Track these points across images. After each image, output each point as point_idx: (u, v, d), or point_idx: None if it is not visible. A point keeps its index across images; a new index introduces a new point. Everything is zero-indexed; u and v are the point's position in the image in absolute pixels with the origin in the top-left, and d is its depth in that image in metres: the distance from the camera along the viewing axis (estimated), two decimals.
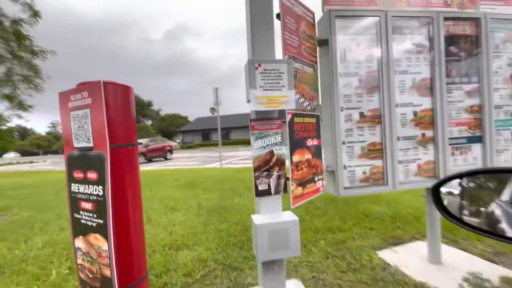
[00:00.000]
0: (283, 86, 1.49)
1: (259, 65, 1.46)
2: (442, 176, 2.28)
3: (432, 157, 2.30)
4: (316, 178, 2.03)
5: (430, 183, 2.28)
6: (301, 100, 1.87)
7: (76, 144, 1.06)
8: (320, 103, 2.23)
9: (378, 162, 2.21)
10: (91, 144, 0.99)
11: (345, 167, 2.18)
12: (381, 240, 2.94)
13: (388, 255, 2.59)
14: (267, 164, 1.62)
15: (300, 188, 1.83)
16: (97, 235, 1.01)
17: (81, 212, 1.06)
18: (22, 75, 4.30)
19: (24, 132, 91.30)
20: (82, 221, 1.06)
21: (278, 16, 1.69)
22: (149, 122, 51.85)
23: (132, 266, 1.09)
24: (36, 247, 3.01)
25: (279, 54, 1.67)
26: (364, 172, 2.20)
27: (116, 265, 0.98)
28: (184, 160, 17.00)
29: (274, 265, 1.60)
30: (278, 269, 1.61)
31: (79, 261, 1.12)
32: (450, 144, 2.32)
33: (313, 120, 2.02)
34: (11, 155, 49.98)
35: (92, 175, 1.01)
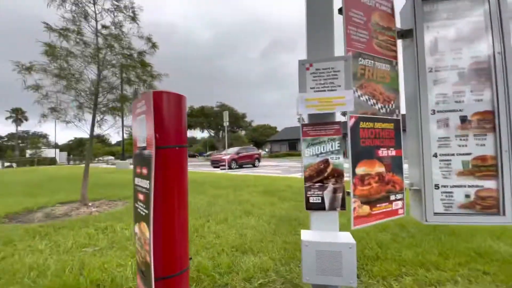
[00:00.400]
0: (339, 86, 1.31)
1: (311, 65, 1.34)
2: None
3: None
4: (392, 197, 1.67)
5: None
6: (371, 101, 1.60)
7: (138, 144, 1.24)
8: (404, 106, 1.85)
9: (491, 184, 1.62)
10: (145, 144, 1.14)
11: (437, 186, 1.70)
12: None
13: None
14: (320, 175, 1.45)
15: (366, 207, 1.54)
16: (144, 224, 1.13)
17: (138, 202, 1.22)
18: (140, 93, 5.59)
19: None
20: (138, 210, 1.22)
21: (340, 10, 1.52)
22: (243, 132, 56.81)
23: (173, 257, 1.17)
24: None
25: (341, 51, 1.49)
26: (467, 196, 1.65)
27: (154, 253, 1.07)
28: (270, 168, 17.61)
29: None
30: None
31: (136, 244, 1.28)
32: None
33: (390, 125, 1.68)
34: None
35: (144, 171, 1.15)
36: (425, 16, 1.75)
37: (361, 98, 1.57)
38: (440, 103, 1.71)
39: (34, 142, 51.76)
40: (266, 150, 45.18)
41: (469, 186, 1.66)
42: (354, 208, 1.50)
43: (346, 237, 1.33)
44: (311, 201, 1.46)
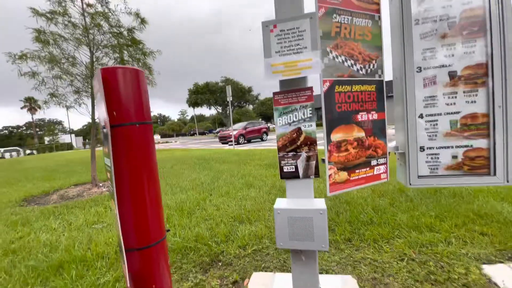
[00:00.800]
0: (305, 47, 1.21)
1: (275, 26, 1.24)
2: None
3: None
4: (374, 163, 1.62)
5: None
6: (349, 62, 1.50)
7: (101, 123, 1.24)
8: (391, 64, 1.72)
9: (480, 143, 1.54)
10: (103, 123, 1.14)
11: (422, 149, 1.63)
12: (494, 250, 2.11)
13: (499, 271, 1.83)
14: (293, 144, 1.41)
15: (344, 173, 1.52)
16: (112, 201, 1.17)
17: (108, 181, 1.25)
18: None
19: (163, 119, 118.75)
20: (110, 188, 1.25)
21: None
22: (250, 107, 56.07)
23: (146, 230, 1.22)
24: None
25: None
26: (454, 156, 1.59)
27: (125, 227, 1.12)
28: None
29: (302, 256, 1.42)
30: (307, 261, 1.42)
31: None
32: None
33: (371, 87, 1.59)
34: (156, 137, 66.66)
35: (106, 150, 1.16)
36: None
37: (336, 60, 1.46)
38: (427, 58, 1.57)
39: (50, 129, 53.75)
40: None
41: (457, 147, 1.58)
42: (330, 175, 1.48)
43: (318, 204, 1.32)
44: (285, 170, 1.44)
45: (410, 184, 1.66)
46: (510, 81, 1.44)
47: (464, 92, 1.53)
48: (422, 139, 1.62)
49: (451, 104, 1.56)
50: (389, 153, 1.73)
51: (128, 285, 1.16)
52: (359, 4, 1.52)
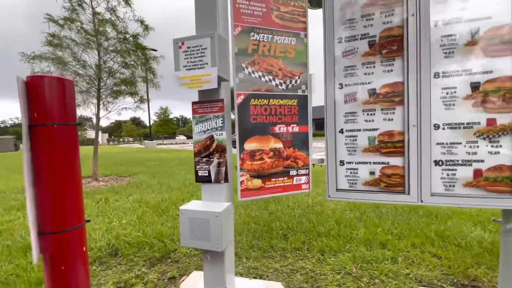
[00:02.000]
0: (206, 63, 1.35)
1: (183, 43, 1.39)
2: None
3: (508, 160, 1.38)
4: (293, 173, 1.70)
5: (502, 201, 1.40)
6: (267, 78, 1.61)
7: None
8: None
9: (397, 161, 1.57)
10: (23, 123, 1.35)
11: (342, 163, 1.68)
12: (440, 274, 2.06)
13: None
14: (206, 150, 1.54)
15: (258, 181, 1.61)
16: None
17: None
18: (142, 76, 5.92)
19: (184, 121, 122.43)
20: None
21: None
22: None
23: (62, 217, 1.40)
24: (128, 201, 4.19)
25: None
26: (372, 172, 1.62)
27: (39, 213, 1.32)
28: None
29: (207, 255, 1.53)
30: (213, 260, 1.53)
31: None
32: None
33: (292, 102, 1.68)
34: (182, 137, 68.89)
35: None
36: None
37: (252, 75, 1.57)
38: (348, 76, 1.64)
39: (80, 125, 57.43)
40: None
41: (374, 163, 1.61)
42: (242, 181, 1.58)
43: (217, 207, 1.43)
44: (199, 174, 1.57)
45: (329, 197, 1.71)
46: (424, 100, 1.47)
47: (382, 109, 1.58)
48: (342, 153, 1.68)
49: (370, 120, 1.61)
50: (313, 165, 1.80)
51: (35, 261, 1.35)
52: (282, 23, 1.63)
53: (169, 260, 2.40)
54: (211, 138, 1.53)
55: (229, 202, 1.54)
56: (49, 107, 1.36)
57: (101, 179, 6.09)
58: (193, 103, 1.57)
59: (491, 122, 1.40)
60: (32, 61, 4.95)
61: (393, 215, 3.28)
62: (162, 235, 2.80)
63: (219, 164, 1.53)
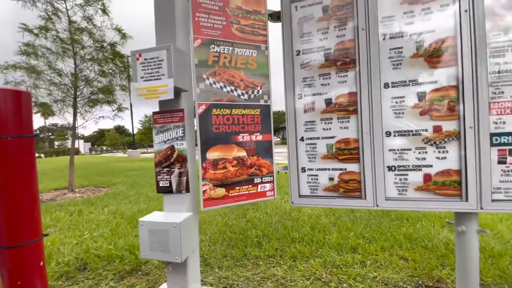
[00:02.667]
0: (163, 74, 1.38)
1: (140, 55, 1.42)
2: (473, 197, 1.43)
3: (455, 164, 1.48)
4: (257, 180, 1.74)
5: (452, 204, 1.48)
6: (228, 88, 1.65)
7: None
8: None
9: (353, 167, 1.63)
10: None
11: (304, 169, 1.74)
12: (406, 276, 2.13)
13: None
14: (167, 160, 1.55)
15: (221, 190, 1.63)
16: None
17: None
18: (120, 84, 5.86)
19: None
20: None
21: None
22: None
23: (17, 231, 1.36)
24: (103, 213, 4.09)
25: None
26: (331, 178, 1.68)
27: None
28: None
29: (169, 266, 1.53)
30: (174, 271, 1.53)
31: None
32: (496, 145, 1.41)
33: (255, 111, 1.73)
34: None
35: None
36: None
37: (214, 86, 1.62)
38: (306, 86, 1.71)
39: (60, 134, 55.61)
40: (279, 137, 44.96)
41: (333, 169, 1.68)
42: (205, 191, 1.59)
43: (176, 218, 1.44)
44: (161, 184, 1.58)
45: (293, 203, 1.76)
46: (376, 109, 1.56)
47: (338, 118, 1.65)
48: (303, 160, 1.73)
49: (328, 129, 1.68)
50: (278, 172, 1.84)
51: None
52: (243, 36, 1.69)
53: (140, 273, 2.35)
54: (172, 148, 1.55)
55: (191, 212, 1.55)
56: (3, 119, 1.34)
57: (77, 190, 5.90)
58: (154, 113, 1.58)
59: (437, 129, 1.50)
60: (5, 71, 4.80)
61: (366, 219, 3.37)
62: (134, 247, 2.75)
63: (180, 174, 1.55)
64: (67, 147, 45.27)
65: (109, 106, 5.77)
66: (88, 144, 60.23)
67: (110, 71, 5.62)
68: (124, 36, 5.57)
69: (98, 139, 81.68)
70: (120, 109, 5.95)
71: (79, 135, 64.15)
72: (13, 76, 4.87)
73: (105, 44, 5.45)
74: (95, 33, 5.42)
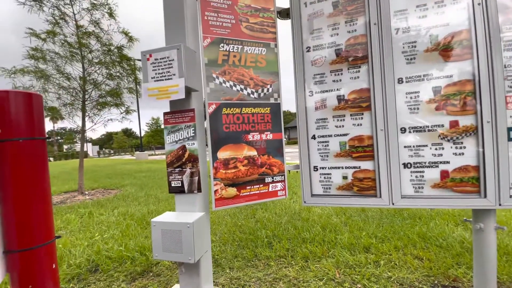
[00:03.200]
0: (174, 74, 1.37)
1: (150, 55, 1.41)
2: (492, 193, 1.39)
3: (473, 160, 1.43)
4: (269, 180, 1.72)
5: (470, 201, 1.44)
6: (238, 87, 1.64)
7: None
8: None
9: (368, 165, 1.60)
10: None
11: (316, 168, 1.71)
12: (421, 276, 2.08)
13: None
14: (179, 160, 1.55)
15: (233, 189, 1.62)
16: None
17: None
18: (128, 87, 5.92)
19: None
20: None
21: None
22: None
23: (29, 234, 1.37)
24: (113, 215, 4.12)
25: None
26: (344, 177, 1.65)
27: (4, 230, 1.29)
28: None
29: (182, 267, 1.52)
30: (188, 273, 1.52)
31: None
32: None
33: (265, 110, 1.71)
34: None
35: None
36: None
37: (223, 85, 1.61)
38: (318, 83, 1.68)
39: (69, 137, 56.60)
40: (286, 137, 44.86)
41: (347, 168, 1.65)
42: (216, 191, 1.58)
43: (188, 217, 1.43)
44: (172, 185, 1.57)
45: (305, 202, 1.73)
46: (390, 105, 1.52)
47: (351, 115, 1.62)
48: (315, 159, 1.71)
49: (340, 126, 1.65)
50: (289, 171, 1.82)
51: None
52: (252, 34, 1.68)
53: (151, 274, 2.35)
54: (183, 148, 1.54)
55: (203, 212, 1.54)
56: (14, 121, 1.35)
57: (87, 192, 5.97)
58: (165, 113, 1.58)
59: (454, 124, 1.46)
60: (13, 76, 4.90)
61: (378, 218, 3.31)
62: (145, 248, 2.76)
63: (192, 174, 1.54)
64: (75, 151, 46.05)
65: (117, 109, 5.85)
66: (96, 147, 61.12)
67: (118, 74, 5.68)
68: (131, 39, 5.63)
69: (106, 142, 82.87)
70: (128, 111, 6.02)
71: (88, 138, 65.21)
72: (21, 81, 4.98)
73: (112, 48, 5.52)
74: (102, 37, 5.49)
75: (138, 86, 6.19)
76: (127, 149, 52.34)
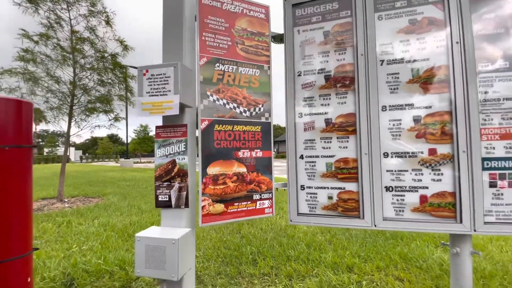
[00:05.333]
0: (169, 91, 1.41)
1: (147, 71, 1.45)
2: (467, 219, 1.47)
3: (450, 187, 1.52)
4: (257, 197, 1.74)
5: (447, 226, 1.51)
6: (231, 105, 1.69)
7: None
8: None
9: (352, 186, 1.66)
10: None
11: (303, 187, 1.76)
12: None
13: None
14: (168, 174, 1.56)
15: (220, 205, 1.63)
16: None
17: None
18: (119, 94, 5.88)
19: None
20: None
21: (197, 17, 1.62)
22: None
23: (7, 244, 1.32)
24: (93, 225, 3.98)
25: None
26: (330, 197, 1.70)
27: None
28: None
29: (163, 284, 1.49)
30: None
31: None
32: (487, 169, 1.46)
33: (256, 128, 1.76)
34: None
35: None
36: (297, 21, 1.81)
37: (217, 102, 1.65)
38: (307, 106, 1.76)
39: (51, 140, 54.56)
40: (274, 150, 45.12)
41: (332, 188, 1.70)
42: (204, 206, 1.59)
43: (174, 233, 1.42)
44: (160, 199, 1.57)
45: (291, 221, 1.76)
46: (374, 130, 1.61)
47: (337, 138, 1.70)
48: (303, 178, 1.76)
49: (327, 148, 1.72)
50: (277, 189, 1.85)
51: None
52: (247, 55, 1.75)
53: None
54: (173, 162, 1.56)
55: (189, 228, 1.53)
56: (1, 128, 1.33)
57: (66, 200, 5.74)
58: (157, 127, 1.60)
59: (432, 151, 1.55)
60: (0, 77, 4.77)
61: (362, 237, 3.36)
62: (125, 262, 2.67)
63: (180, 189, 1.55)
64: (57, 154, 44.34)
65: (105, 115, 5.76)
66: (79, 152, 59.11)
67: (109, 80, 5.65)
68: (126, 48, 5.66)
69: (90, 147, 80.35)
70: (117, 118, 5.95)
71: (71, 142, 63.14)
72: (7, 82, 4.85)
73: (106, 55, 5.52)
74: (96, 43, 5.49)
75: (129, 94, 6.16)
76: (112, 156, 50.91)
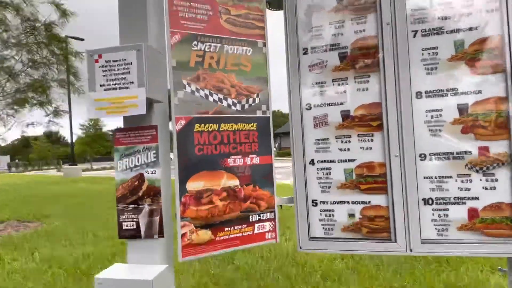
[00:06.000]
0: (131, 82, 1.43)
1: (100, 56, 1.47)
2: None
3: (507, 197, 1.59)
4: (254, 218, 1.79)
5: (503, 248, 1.58)
6: (216, 97, 1.72)
7: None
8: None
9: (380, 199, 1.72)
10: None
11: (315, 203, 1.81)
12: None
13: None
14: (135, 194, 1.59)
15: (206, 232, 1.68)
16: None
17: None
18: (58, 79, 5.83)
19: None
20: None
21: None
22: None
23: None
24: (32, 260, 4.02)
25: None
26: (351, 215, 1.76)
27: None
28: None
29: None
30: None
31: None
32: None
33: (250, 126, 1.80)
34: None
35: None
36: None
37: (196, 94, 1.68)
38: (317, 94, 1.80)
39: None
40: (275, 146, 45.37)
41: (353, 203, 1.76)
42: (184, 235, 1.63)
43: (149, 272, 1.46)
44: (124, 227, 1.60)
45: (301, 248, 1.81)
46: (406, 125, 1.66)
47: (358, 136, 1.75)
48: (314, 191, 1.81)
49: (345, 149, 1.77)
50: (280, 206, 1.91)
51: None
52: (234, 29, 1.78)
53: None
54: (141, 178, 1.59)
55: (166, 265, 1.58)
56: None
57: None
58: (116, 130, 1.63)
59: (483, 151, 1.61)
60: None
61: (396, 262, 3.46)
62: None
63: (151, 213, 1.58)
64: None
65: (41, 109, 5.71)
66: (7, 158, 58.41)
67: (44, 60, 5.59)
68: (64, 13, 5.58)
69: (20, 150, 79.27)
70: (57, 112, 5.90)
71: None
72: None
73: (38, 24, 5.44)
74: (23, 9, 5.40)
75: (73, 78, 6.11)
76: (51, 161, 50.44)
